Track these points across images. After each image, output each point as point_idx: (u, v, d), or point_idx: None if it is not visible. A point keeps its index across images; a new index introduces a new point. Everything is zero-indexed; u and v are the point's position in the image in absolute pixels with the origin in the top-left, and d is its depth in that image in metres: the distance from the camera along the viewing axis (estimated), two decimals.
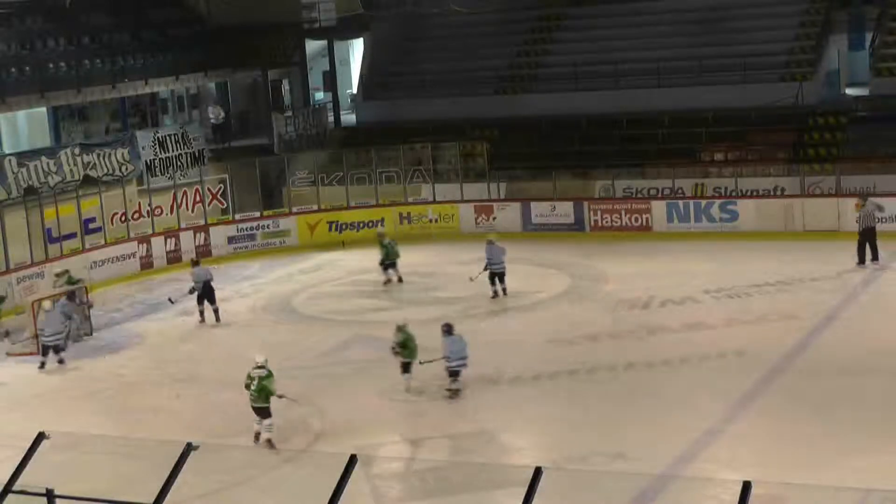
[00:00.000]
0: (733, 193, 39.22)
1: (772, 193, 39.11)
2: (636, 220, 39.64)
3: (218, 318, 32.47)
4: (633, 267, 35.45)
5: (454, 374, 24.99)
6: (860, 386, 24.02)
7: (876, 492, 16.94)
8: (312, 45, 53.55)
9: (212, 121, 46.43)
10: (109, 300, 35.28)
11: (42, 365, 29.31)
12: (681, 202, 39.41)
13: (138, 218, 40.17)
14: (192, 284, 32.87)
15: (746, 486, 12.00)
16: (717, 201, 39.03)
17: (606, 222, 40.00)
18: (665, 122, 42.93)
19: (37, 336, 30.27)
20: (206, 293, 32.72)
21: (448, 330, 25.43)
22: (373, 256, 36.35)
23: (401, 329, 25.64)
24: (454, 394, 24.90)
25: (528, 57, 49.09)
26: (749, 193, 39.14)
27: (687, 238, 38.21)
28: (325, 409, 24.80)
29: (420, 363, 25.28)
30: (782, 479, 16.94)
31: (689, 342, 27.72)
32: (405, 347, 25.44)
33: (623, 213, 39.86)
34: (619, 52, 46.71)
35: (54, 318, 29.75)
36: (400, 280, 35.43)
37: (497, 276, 32.87)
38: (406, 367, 25.45)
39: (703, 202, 39.18)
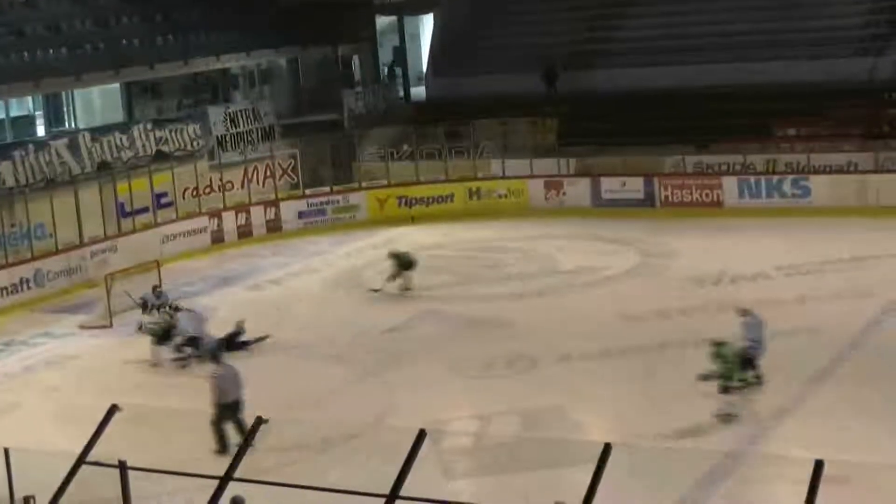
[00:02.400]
0: (806, 169, 38.85)
1: (845, 169, 38.68)
2: (707, 195, 39.36)
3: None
4: (704, 243, 35.23)
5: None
6: None
7: None
8: (383, 21, 53.57)
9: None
10: (181, 274, 35.54)
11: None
12: (752, 178, 39.09)
13: (209, 193, 40.43)
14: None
15: (818, 465, 11.89)
16: (790, 177, 38.68)
17: (677, 198, 39.76)
18: (737, 97, 42.52)
19: (109, 310, 30.65)
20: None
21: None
22: (442, 231, 36.40)
23: (718, 353, 21.65)
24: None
25: (598, 32, 48.82)
26: (822, 169, 38.74)
27: (758, 214, 37.88)
28: (393, 384, 24.88)
29: None
30: (855, 458, 16.79)
31: None
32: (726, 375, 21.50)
33: (694, 188, 39.60)
34: (691, 27, 46.34)
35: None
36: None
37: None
38: (727, 391, 21.55)
39: (775, 178, 38.84)
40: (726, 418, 21.25)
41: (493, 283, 32.65)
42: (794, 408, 21.96)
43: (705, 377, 21.59)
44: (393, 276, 31.85)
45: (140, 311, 30.08)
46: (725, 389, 21.47)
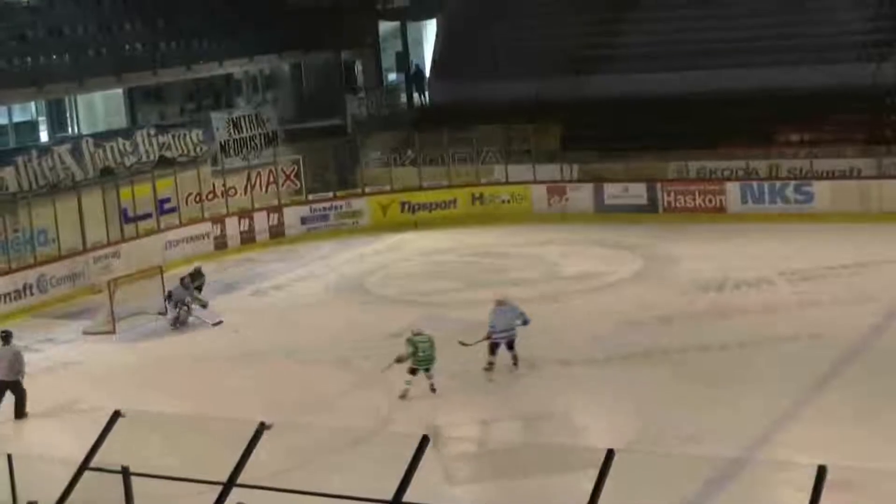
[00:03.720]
0: (808, 175, 38.85)
1: (847, 175, 38.70)
2: (710, 201, 39.38)
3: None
4: (707, 248, 35.22)
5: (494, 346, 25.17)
6: None
7: None
8: (385, 26, 53.58)
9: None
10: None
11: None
12: (755, 183, 39.12)
13: (212, 198, 40.46)
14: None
15: (821, 471, 11.89)
16: (792, 182, 38.69)
17: (679, 203, 39.77)
18: (740, 102, 42.47)
19: (113, 316, 30.68)
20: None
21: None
22: (446, 237, 36.31)
23: (410, 340, 24.35)
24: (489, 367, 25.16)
25: (601, 37, 48.80)
26: (824, 175, 38.75)
27: (761, 220, 37.88)
28: (396, 390, 24.85)
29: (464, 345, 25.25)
30: (858, 463, 16.79)
31: (763, 324, 27.51)
32: (414, 356, 24.19)
33: (696, 194, 39.61)
34: (694, 33, 46.31)
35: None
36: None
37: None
38: (413, 372, 24.27)
39: (778, 183, 38.85)
40: (405, 395, 23.98)
41: (496, 289, 32.52)
42: (797, 413, 21.96)
43: (398, 360, 24.21)
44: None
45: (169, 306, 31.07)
46: (412, 371, 24.05)
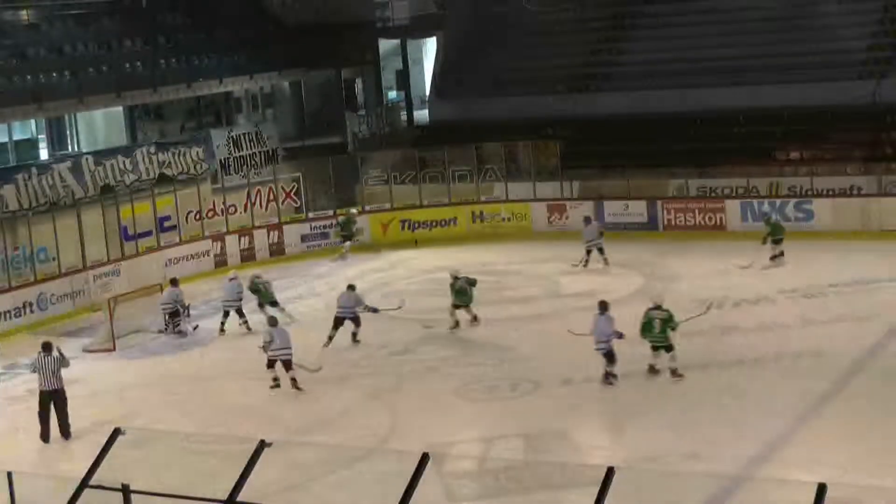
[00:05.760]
0: (808, 193, 38.87)
1: (848, 193, 38.69)
2: (710, 219, 39.38)
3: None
4: (707, 266, 35.20)
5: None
6: None
7: None
8: (386, 44, 53.68)
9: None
10: (184, 298, 35.45)
11: None
12: (755, 201, 39.10)
13: (212, 216, 40.44)
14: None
15: (822, 489, 11.88)
16: (792, 200, 38.67)
17: (680, 221, 39.76)
18: (740, 120, 42.57)
19: (113, 334, 30.68)
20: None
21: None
22: (446, 255, 36.29)
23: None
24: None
25: (602, 55, 48.90)
26: (824, 193, 38.75)
27: (761, 237, 37.80)
28: (396, 407, 24.86)
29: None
30: (858, 481, 16.79)
31: (763, 342, 27.48)
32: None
33: (697, 212, 39.62)
34: (694, 51, 46.40)
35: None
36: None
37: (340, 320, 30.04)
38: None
39: (778, 201, 38.82)
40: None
41: (497, 307, 32.60)
42: (797, 430, 21.94)
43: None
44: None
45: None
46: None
